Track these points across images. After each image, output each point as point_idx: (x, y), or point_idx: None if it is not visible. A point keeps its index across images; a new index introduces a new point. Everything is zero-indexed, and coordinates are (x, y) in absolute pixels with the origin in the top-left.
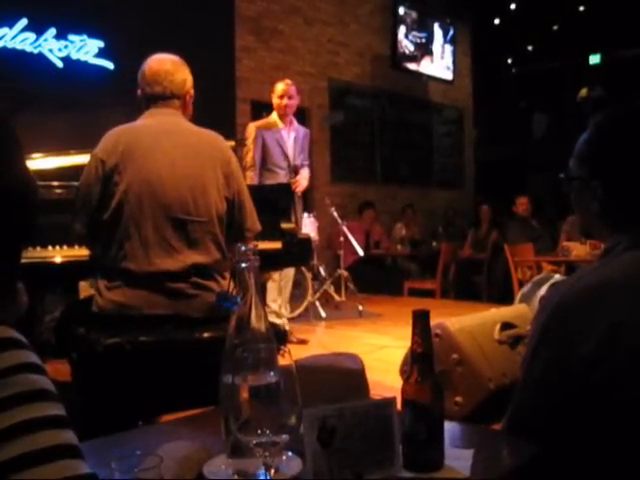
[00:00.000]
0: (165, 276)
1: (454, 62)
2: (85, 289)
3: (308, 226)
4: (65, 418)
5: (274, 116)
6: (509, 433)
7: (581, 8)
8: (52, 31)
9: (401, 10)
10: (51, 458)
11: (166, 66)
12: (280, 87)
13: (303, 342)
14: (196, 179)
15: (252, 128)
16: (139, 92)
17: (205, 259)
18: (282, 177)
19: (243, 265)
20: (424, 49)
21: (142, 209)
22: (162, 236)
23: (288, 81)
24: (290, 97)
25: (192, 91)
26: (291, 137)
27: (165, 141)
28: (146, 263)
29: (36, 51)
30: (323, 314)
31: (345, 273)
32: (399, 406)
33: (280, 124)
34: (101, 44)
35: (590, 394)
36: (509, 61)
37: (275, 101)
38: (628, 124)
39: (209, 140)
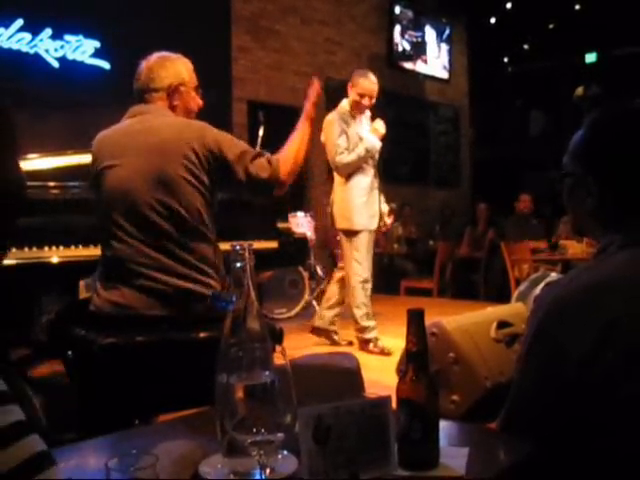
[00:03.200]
0: (155, 275)
1: (450, 61)
2: (84, 289)
3: (304, 225)
4: (23, 422)
5: (345, 106)
6: (504, 431)
7: (577, 7)
8: (48, 31)
9: (397, 10)
10: (26, 476)
11: (150, 63)
12: (363, 83)
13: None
14: (162, 178)
15: (333, 123)
16: None
17: (193, 255)
18: (370, 178)
19: (238, 265)
20: (420, 48)
21: (119, 213)
22: (142, 238)
23: (373, 78)
24: (371, 97)
25: (182, 84)
26: (367, 129)
27: (129, 143)
28: (134, 264)
29: (32, 51)
30: None
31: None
32: (395, 405)
33: (353, 116)
34: (97, 44)
35: (585, 393)
36: (505, 60)
37: (352, 96)
38: (625, 121)
39: (175, 133)
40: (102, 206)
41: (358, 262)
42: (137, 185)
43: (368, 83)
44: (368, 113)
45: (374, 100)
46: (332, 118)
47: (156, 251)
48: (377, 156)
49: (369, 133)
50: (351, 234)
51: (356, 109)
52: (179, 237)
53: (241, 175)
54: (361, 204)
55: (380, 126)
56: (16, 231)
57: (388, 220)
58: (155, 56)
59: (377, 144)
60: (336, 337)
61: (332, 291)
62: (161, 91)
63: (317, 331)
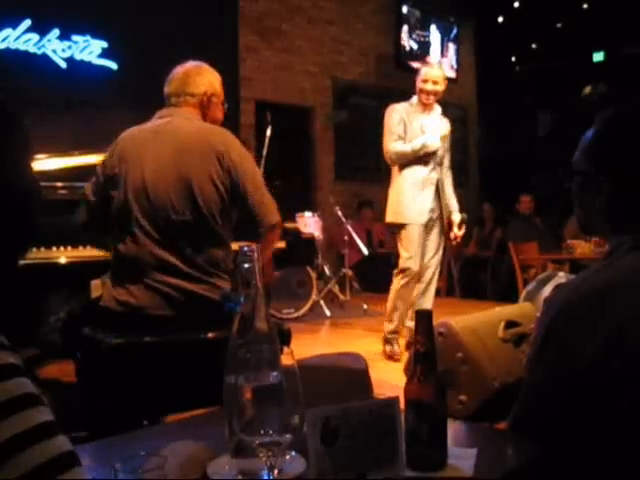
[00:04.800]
0: (164, 276)
1: (458, 61)
2: (97, 288)
3: (312, 225)
4: (53, 422)
5: (414, 100)
6: (513, 432)
7: (585, 6)
8: (55, 32)
9: (404, 9)
10: (52, 474)
11: (187, 68)
12: (423, 70)
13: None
14: (184, 178)
15: (394, 110)
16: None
17: (203, 257)
18: (426, 172)
19: (246, 265)
20: (427, 48)
21: (139, 212)
22: (157, 238)
23: (436, 65)
24: (435, 82)
25: (214, 94)
26: (434, 126)
27: (154, 142)
28: (145, 264)
29: (40, 52)
30: (328, 313)
31: (349, 272)
32: (403, 405)
33: (420, 110)
34: (104, 44)
35: (594, 395)
36: (513, 59)
37: (417, 86)
38: (637, 121)
39: (202, 136)
40: (121, 204)
41: (405, 258)
42: (161, 184)
43: (429, 69)
44: (439, 109)
45: (439, 87)
46: (395, 106)
47: (168, 252)
48: (442, 153)
49: (433, 130)
50: (398, 229)
51: (422, 99)
52: (194, 239)
53: (249, 204)
54: (411, 197)
55: (444, 126)
56: (36, 232)
57: (458, 231)
58: (191, 63)
59: (435, 142)
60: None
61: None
62: (197, 96)
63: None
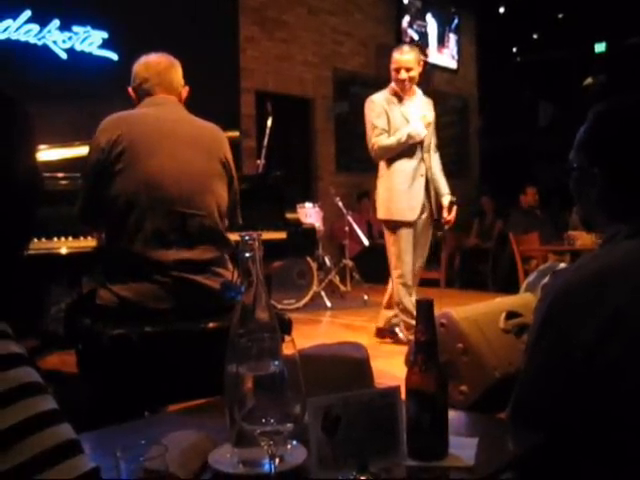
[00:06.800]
0: (167, 269)
1: (459, 51)
2: (86, 286)
3: (313, 216)
4: (58, 410)
5: (392, 87)
6: (511, 421)
7: None
8: (56, 22)
9: None
10: (56, 460)
11: (163, 62)
12: (395, 56)
13: None
14: (197, 171)
15: (373, 103)
16: (132, 89)
17: (207, 251)
18: (415, 163)
19: (247, 255)
20: (428, 38)
21: (144, 203)
22: (163, 229)
23: (407, 49)
24: (408, 69)
25: (186, 88)
26: (417, 112)
27: (166, 130)
28: (147, 257)
29: (40, 43)
30: (328, 304)
31: (350, 263)
32: (404, 395)
33: (400, 97)
34: (105, 35)
35: (592, 381)
36: (514, 50)
37: (392, 74)
38: (628, 113)
39: (209, 131)
40: (125, 195)
41: (397, 257)
42: (180, 177)
43: (398, 55)
44: (419, 92)
45: (414, 73)
46: (373, 98)
47: (175, 247)
48: (428, 142)
49: (418, 118)
50: (390, 226)
51: (399, 87)
52: (198, 232)
53: (236, 208)
54: (401, 192)
55: (428, 113)
56: (37, 222)
57: (447, 215)
58: (165, 57)
59: (421, 131)
60: (400, 335)
61: (389, 290)
62: (182, 87)
63: (380, 332)
